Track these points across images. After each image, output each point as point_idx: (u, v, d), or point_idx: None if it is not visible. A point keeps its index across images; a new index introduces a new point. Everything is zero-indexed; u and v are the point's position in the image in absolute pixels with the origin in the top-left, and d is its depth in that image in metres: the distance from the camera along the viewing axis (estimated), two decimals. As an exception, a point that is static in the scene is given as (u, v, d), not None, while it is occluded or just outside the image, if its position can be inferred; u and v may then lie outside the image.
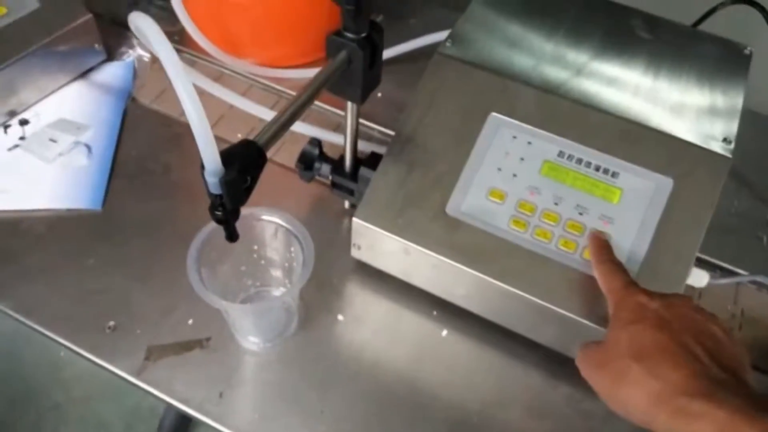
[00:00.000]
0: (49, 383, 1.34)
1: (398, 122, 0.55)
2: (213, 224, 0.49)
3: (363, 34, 0.46)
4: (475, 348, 0.56)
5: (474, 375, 0.55)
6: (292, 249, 0.52)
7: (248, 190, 0.40)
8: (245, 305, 0.54)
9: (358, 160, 0.58)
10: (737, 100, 0.55)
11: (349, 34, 0.46)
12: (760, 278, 0.56)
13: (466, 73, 0.56)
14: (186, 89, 0.34)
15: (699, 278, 0.52)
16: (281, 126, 0.42)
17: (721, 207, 0.65)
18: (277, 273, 0.56)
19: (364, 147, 0.64)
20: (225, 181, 0.38)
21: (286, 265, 0.54)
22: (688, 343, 0.37)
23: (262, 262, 0.55)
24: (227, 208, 0.40)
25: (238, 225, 0.44)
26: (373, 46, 0.46)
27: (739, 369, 0.37)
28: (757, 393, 0.35)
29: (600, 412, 0.53)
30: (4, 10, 0.66)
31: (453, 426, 0.52)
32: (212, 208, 0.40)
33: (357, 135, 0.56)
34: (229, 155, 0.38)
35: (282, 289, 0.57)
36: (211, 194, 0.39)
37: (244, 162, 0.39)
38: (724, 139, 0.52)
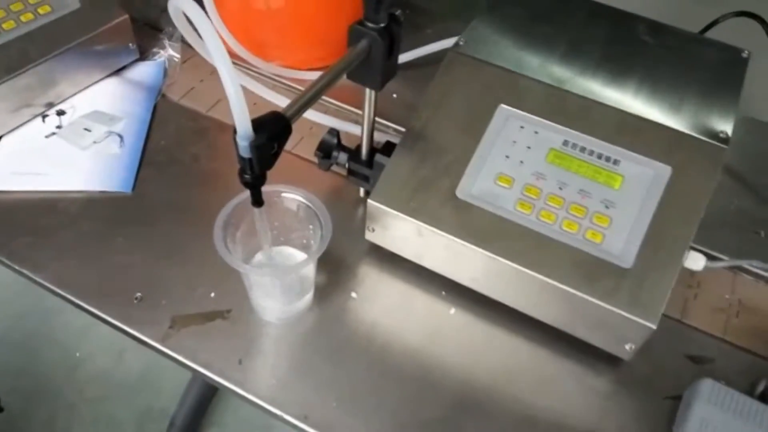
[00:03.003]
0: (65, 382, 1.37)
1: (413, 113, 0.59)
2: (238, 199, 0.53)
3: (383, 25, 0.50)
4: (482, 326, 0.59)
5: (481, 352, 0.57)
6: (311, 227, 0.55)
7: (275, 156, 0.43)
8: (263, 269, 0.57)
9: (374, 149, 0.62)
10: (734, 97, 0.58)
11: (370, 24, 0.50)
12: (756, 263, 0.59)
13: (477, 68, 0.60)
14: (223, 60, 0.38)
15: (696, 261, 0.55)
16: (306, 101, 0.46)
17: (721, 205, 0.68)
18: (293, 251, 0.59)
19: (379, 138, 0.67)
20: (255, 146, 0.41)
21: (304, 241, 0.58)
22: None
23: (281, 239, 0.58)
24: (255, 172, 0.43)
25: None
26: (391, 36, 0.50)
27: None
28: None
29: (603, 388, 0.55)
30: (47, 9, 0.71)
31: (461, 400, 0.54)
32: (241, 172, 0.44)
33: (374, 123, 0.60)
34: (260, 123, 0.42)
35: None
36: (241, 158, 0.42)
37: (273, 130, 0.42)
38: (721, 132, 0.55)
